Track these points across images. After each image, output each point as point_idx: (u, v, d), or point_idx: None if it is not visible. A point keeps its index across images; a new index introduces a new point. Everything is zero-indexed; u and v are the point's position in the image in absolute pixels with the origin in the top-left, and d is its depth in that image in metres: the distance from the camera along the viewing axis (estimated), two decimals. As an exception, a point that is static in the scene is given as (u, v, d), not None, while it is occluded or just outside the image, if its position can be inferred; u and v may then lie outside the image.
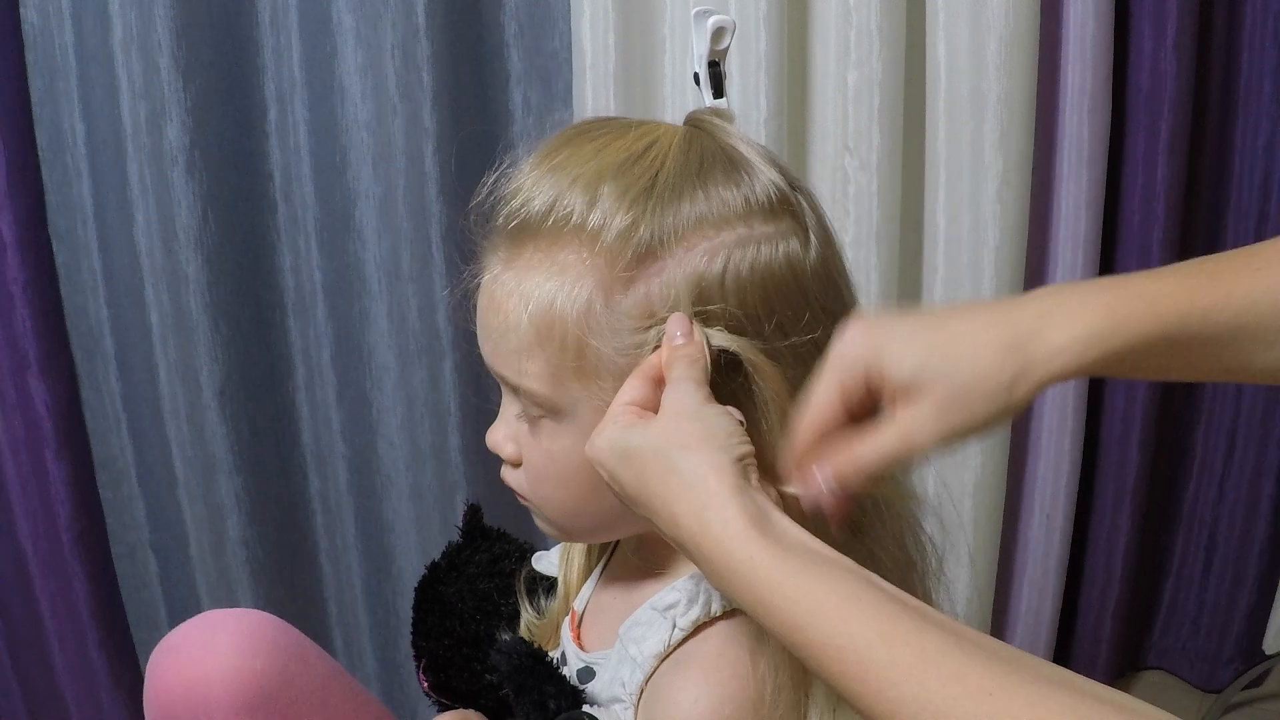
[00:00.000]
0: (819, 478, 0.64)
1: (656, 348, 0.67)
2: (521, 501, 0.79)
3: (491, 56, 1.49)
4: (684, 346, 0.66)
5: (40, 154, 1.51)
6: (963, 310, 0.63)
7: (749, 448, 0.63)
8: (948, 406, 0.60)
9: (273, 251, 1.56)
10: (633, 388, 0.67)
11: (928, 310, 0.63)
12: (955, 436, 0.61)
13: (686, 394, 0.64)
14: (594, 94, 1.39)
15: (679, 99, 1.42)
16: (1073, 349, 0.59)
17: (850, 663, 0.52)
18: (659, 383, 0.67)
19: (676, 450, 0.62)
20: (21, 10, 1.45)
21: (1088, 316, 0.60)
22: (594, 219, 0.67)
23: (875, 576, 0.56)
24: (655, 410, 0.65)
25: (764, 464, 0.66)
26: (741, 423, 0.65)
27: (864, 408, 0.65)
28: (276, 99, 1.49)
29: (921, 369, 0.61)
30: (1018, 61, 1.42)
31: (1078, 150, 1.53)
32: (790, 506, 0.65)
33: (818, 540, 0.58)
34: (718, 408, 0.64)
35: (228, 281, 1.53)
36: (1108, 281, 0.62)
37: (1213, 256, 0.62)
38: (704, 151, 0.70)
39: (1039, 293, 0.63)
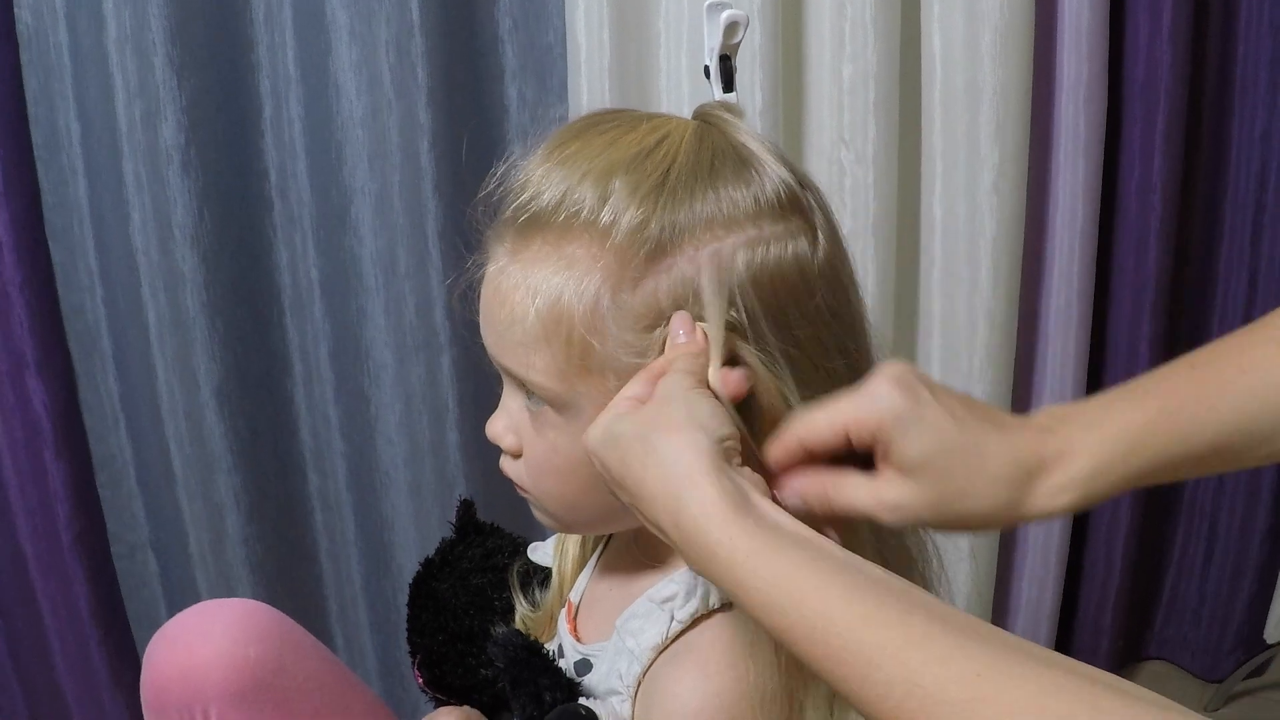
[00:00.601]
0: (788, 489, 0.64)
1: (662, 348, 0.67)
2: (520, 493, 0.79)
3: (486, 52, 1.49)
4: (685, 344, 0.66)
5: (36, 153, 1.51)
6: (986, 419, 0.63)
7: (732, 430, 0.62)
8: (934, 503, 0.61)
9: (269, 249, 1.56)
10: (636, 384, 0.67)
11: (956, 397, 0.64)
12: (920, 524, 0.64)
13: (675, 381, 0.64)
14: (589, 89, 1.39)
15: (674, 93, 1.42)
16: (1064, 496, 0.62)
17: (832, 646, 0.51)
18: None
19: (657, 433, 0.61)
20: (16, 10, 1.45)
21: (1080, 463, 0.62)
22: (605, 215, 0.67)
23: (858, 558, 0.55)
24: None
25: (750, 464, 0.66)
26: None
27: (857, 449, 0.64)
28: (271, 96, 1.49)
29: (931, 459, 0.61)
30: (1013, 53, 1.42)
31: (1074, 141, 1.53)
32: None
33: (800, 523, 0.58)
34: (705, 393, 0.64)
35: (224, 279, 1.53)
36: (1100, 413, 0.64)
37: (1200, 353, 0.64)
38: (715, 148, 0.69)
39: (1049, 421, 0.64)
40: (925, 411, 0.62)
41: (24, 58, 1.47)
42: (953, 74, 1.43)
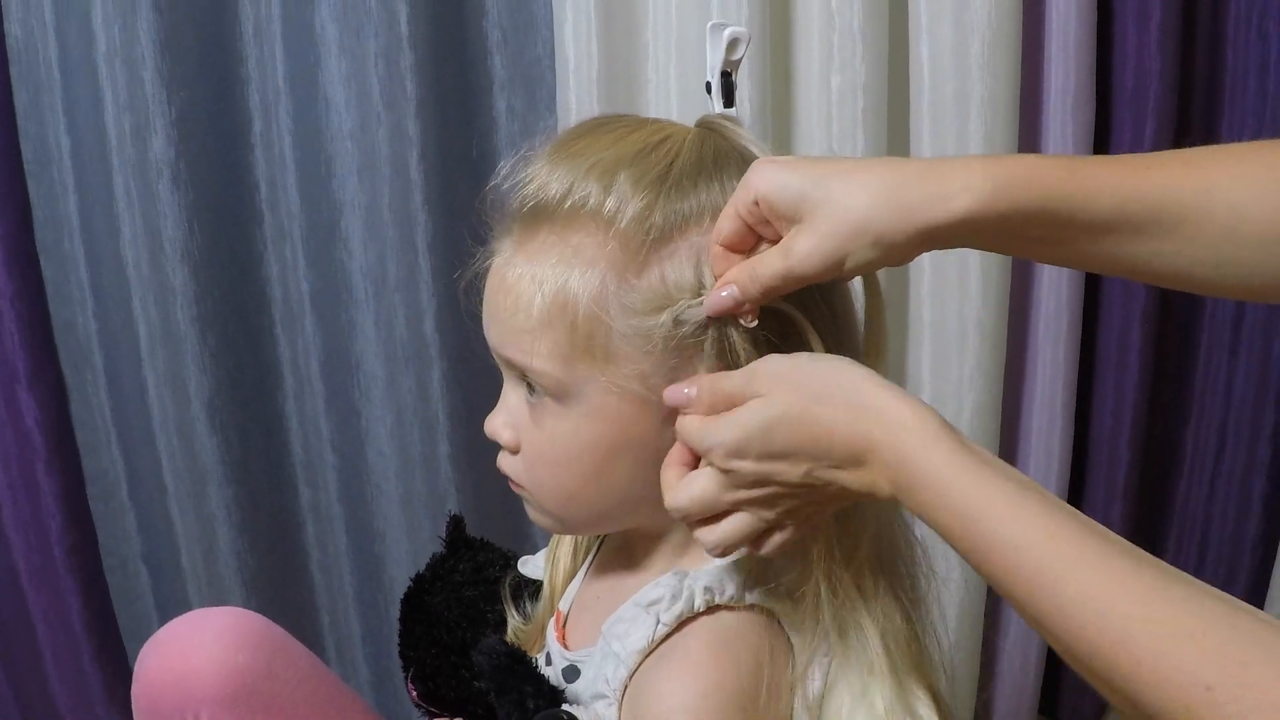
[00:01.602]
0: (723, 288, 0.67)
1: (669, 330, 0.69)
2: (515, 490, 0.80)
3: (474, 64, 1.50)
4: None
5: (26, 167, 1.51)
6: (865, 159, 0.66)
7: None
8: (826, 235, 0.63)
9: (259, 262, 1.56)
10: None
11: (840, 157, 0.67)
12: (836, 265, 0.64)
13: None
14: (577, 100, 1.39)
15: (662, 104, 1.42)
16: (947, 199, 0.62)
17: (1014, 562, 0.55)
18: None
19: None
20: (5, 25, 1.46)
21: (972, 176, 0.62)
22: (610, 204, 0.69)
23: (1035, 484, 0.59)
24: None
25: None
26: None
27: (771, 234, 0.67)
28: (261, 110, 1.49)
29: (802, 198, 0.64)
30: (1001, 61, 1.42)
31: (1062, 149, 1.53)
32: None
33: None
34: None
35: (215, 293, 1.53)
36: (1005, 155, 0.65)
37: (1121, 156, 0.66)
38: (717, 149, 0.72)
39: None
40: (796, 165, 0.66)
41: (13, 72, 1.47)
42: (941, 83, 1.43)
